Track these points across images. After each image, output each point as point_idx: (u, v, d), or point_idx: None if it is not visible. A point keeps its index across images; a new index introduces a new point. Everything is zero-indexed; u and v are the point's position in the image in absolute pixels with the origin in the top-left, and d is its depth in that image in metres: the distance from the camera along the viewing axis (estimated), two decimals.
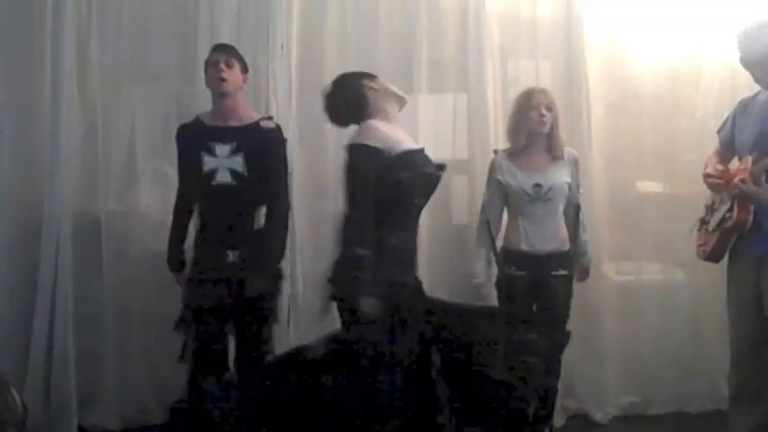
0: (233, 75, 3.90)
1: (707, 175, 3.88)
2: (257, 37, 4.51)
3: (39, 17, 4.41)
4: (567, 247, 4.05)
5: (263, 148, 3.89)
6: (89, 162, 4.48)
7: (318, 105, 4.50)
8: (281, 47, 4.53)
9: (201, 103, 4.20)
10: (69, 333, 4.34)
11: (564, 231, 4.05)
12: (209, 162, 3.85)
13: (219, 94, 3.91)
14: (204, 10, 4.45)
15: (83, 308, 4.42)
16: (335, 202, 4.58)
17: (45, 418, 4.30)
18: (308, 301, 4.61)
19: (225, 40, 4.34)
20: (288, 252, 4.52)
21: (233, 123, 3.92)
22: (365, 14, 4.60)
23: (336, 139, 4.56)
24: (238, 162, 3.85)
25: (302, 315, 4.60)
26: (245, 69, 3.99)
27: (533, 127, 3.98)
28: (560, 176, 4.00)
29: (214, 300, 3.83)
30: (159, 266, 4.37)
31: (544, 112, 3.96)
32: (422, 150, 3.50)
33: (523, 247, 3.97)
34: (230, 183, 3.84)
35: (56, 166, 4.36)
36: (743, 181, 3.58)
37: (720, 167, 3.84)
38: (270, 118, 4.02)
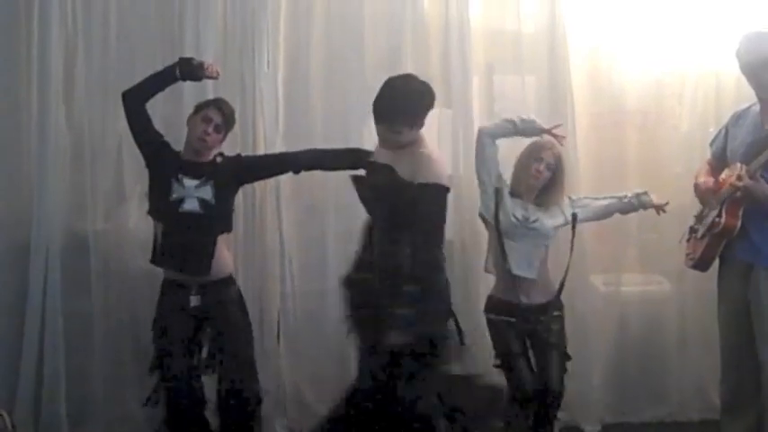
0: (215, 139, 3.97)
1: (697, 186, 3.92)
2: (243, 55, 4.53)
3: (26, 35, 4.42)
4: (553, 296, 4.06)
5: (226, 179, 3.98)
6: (77, 180, 4.49)
7: (305, 122, 4.51)
8: (267, 64, 4.55)
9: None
10: (59, 352, 4.35)
11: (548, 280, 4.06)
12: (177, 190, 3.90)
13: (195, 150, 3.98)
14: (190, 28, 4.47)
15: (72, 326, 4.42)
16: (323, 219, 4.63)
17: None
18: (297, 317, 4.63)
19: (210, 58, 4.36)
20: (278, 269, 4.55)
21: (203, 159, 3.99)
22: (350, 31, 4.61)
23: None
24: (207, 191, 3.90)
25: (292, 331, 4.63)
26: (228, 132, 4.07)
27: (528, 178, 3.99)
28: (547, 218, 4.00)
29: (181, 343, 3.93)
30: (148, 284, 4.39)
31: (542, 168, 3.96)
32: None
33: (511, 297, 3.97)
34: (198, 211, 3.89)
35: (43, 185, 4.37)
36: (739, 177, 3.61)
37: (711, 179, 3.87)
38: (221, 154, 4.06)
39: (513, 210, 3.96)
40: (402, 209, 3.47)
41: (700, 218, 3.95)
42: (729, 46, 3.90)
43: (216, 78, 4.08)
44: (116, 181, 4.54)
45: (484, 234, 4.23)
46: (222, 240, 3.99)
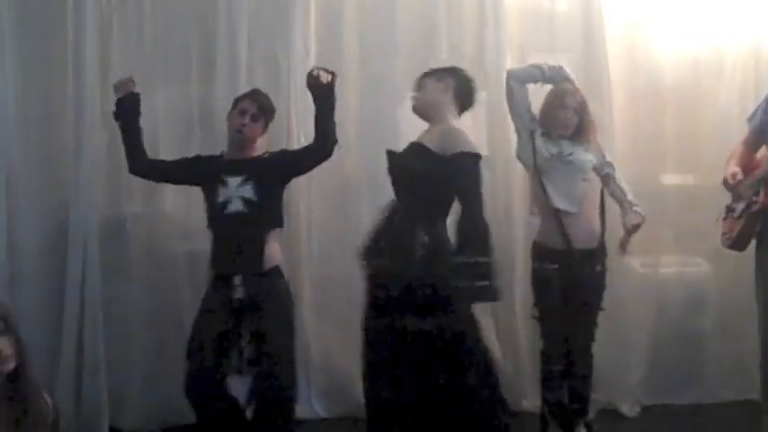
0: (253, 129, 3.96)
1: (725, 181, 3.87)
2: (276, 36, 4.53)
3: (60, 23, 4.45)
4: (597, 242, 4.03)
5: (268, 174, 3.94)
6: (114, 165, 4.49)
7: (339, 105, 4.52)
8: (301, 44, 4.54)
9: (222, 103, 4.24)
10: (99, 336, 4.38)
11: (594, 223, 4.05)
12: (222, 193, 3.89)
13: (236, 144, 3.98)
14: (222, 12, 4.48)
15: (111, 310, 4.45)
16: (355, 202, 4.60)
17: (76, 421, 4.35)
18: (317, 303, 4.66)
19: (243, 40, 4.38)
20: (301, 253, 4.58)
21: (245, 156, 3.98)
22: (384, 11, 4.60)
23: (357, 136, 4.58)
24: (247, 190, 3.88)
25: (313, 315, 4.65)
26: (268, 122, 4.04)
27: (557, 127, 3.99)
28: (582, 151, 4.01)
29: (218, 336, 3.89)
30: (186, 267, 4.45)
31: (569, 115, 3.97)
32: None
33: (556, 242, 3.96)
34: (242, 210, 3.87)
35: (81, 170, 4.40)
36: None
37: (739, 175, 3.81)
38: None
39: (547, 147, 3.97)
40: (435, 184, 3.57)
41: (737, 197, 3.90)
42: None
43: (131, 84, 4.05)
44: None
45: (520, 212, 4.20)
46: (271, 233, 3.97)
